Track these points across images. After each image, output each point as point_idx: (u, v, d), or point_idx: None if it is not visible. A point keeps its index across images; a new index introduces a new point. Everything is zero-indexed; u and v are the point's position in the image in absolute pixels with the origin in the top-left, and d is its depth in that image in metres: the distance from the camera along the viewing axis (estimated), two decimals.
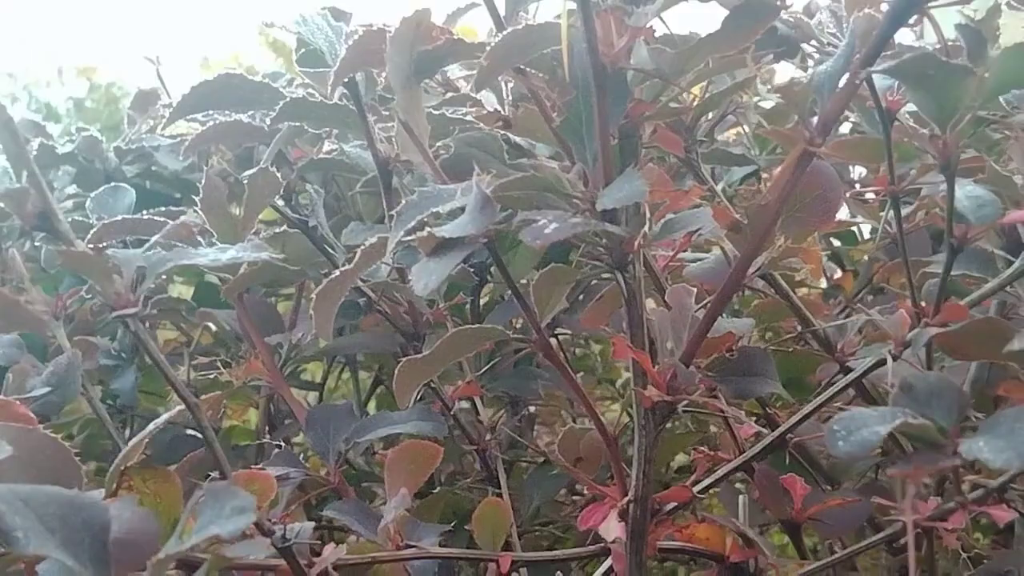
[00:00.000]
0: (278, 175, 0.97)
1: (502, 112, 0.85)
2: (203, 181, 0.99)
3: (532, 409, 1.40)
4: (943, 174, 0.72)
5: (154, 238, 0.97)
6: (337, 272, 0.74)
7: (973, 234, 0.74)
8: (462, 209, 0.69)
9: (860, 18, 0.73)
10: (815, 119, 0.69)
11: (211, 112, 1.04)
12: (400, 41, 0.74)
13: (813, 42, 0.96)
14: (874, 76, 0.76)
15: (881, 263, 1.22)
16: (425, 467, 0.85)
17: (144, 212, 0.97)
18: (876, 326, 0.84)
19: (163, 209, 1.00)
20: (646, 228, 0.69)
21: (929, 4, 0.66)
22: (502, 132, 0.84)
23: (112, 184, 1.27)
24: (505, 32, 0.71)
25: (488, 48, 0.71)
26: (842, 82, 0.67)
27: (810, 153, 0.69)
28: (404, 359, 0.76)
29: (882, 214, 1.07)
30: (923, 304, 0.76)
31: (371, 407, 1.57)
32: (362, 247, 0.74)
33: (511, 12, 0.78)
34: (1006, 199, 0.77)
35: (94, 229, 0.89)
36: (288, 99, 0.99)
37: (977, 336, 0.71)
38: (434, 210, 0.70)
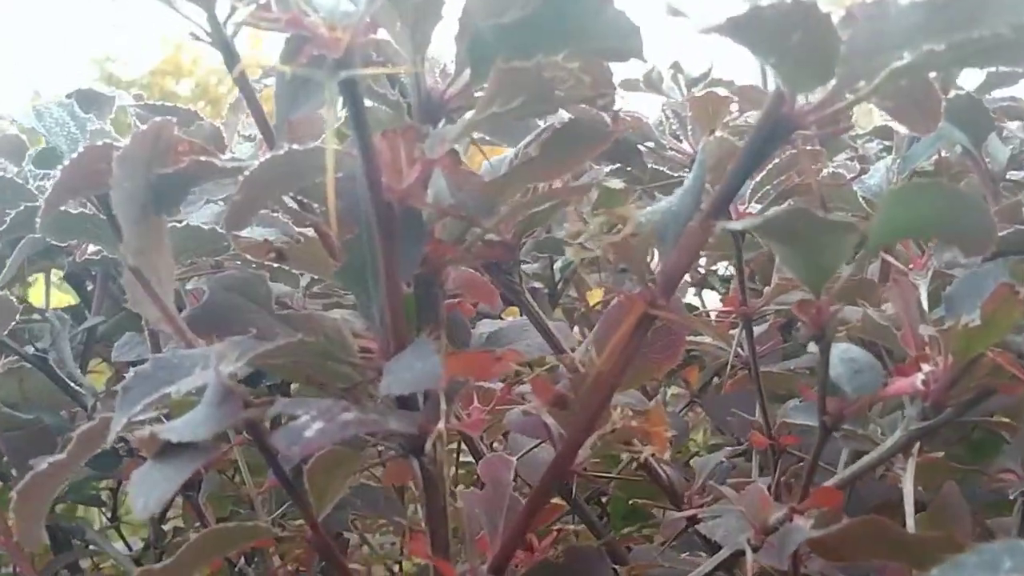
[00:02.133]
0: (13, 300, 0.79)
1: (271, 241, 0.68)
2: None
3: None
4: (815, 343, 0.58)
5: None
6: (45, 465, 0.56)
7: (850, 410, 0.61)
8: None
9: (711, 142, 0.59)
10: (657, 271, 0.55)
11: None
12: (131, 162, 0.57)
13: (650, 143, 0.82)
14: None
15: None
16: None
17: None
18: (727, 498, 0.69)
19: None
20: (446, 410, 0.54)
21: (796, 130, 0.52)
22: (274, 266, 0.67)
23: None
24: (263, 158, 0.54)
25: (244, 177, 0.55)
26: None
27: (651, 317, 0.55)
28: (140, 570, 0.59)
29: (733, 333, 0.94)
30: (789, 484, 0.62)
31: None
32: (78, 432, 0.57)
33: (282, 120, 0.62)
34: (885, 355, 0.64)
35: None
36: (22, 207, 0.81)
37: (856, 540, 0.57)
38: (169, 390, 0.53)
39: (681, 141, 0.82)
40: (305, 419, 0.49)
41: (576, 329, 1.44)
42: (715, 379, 1.34)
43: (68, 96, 0.88)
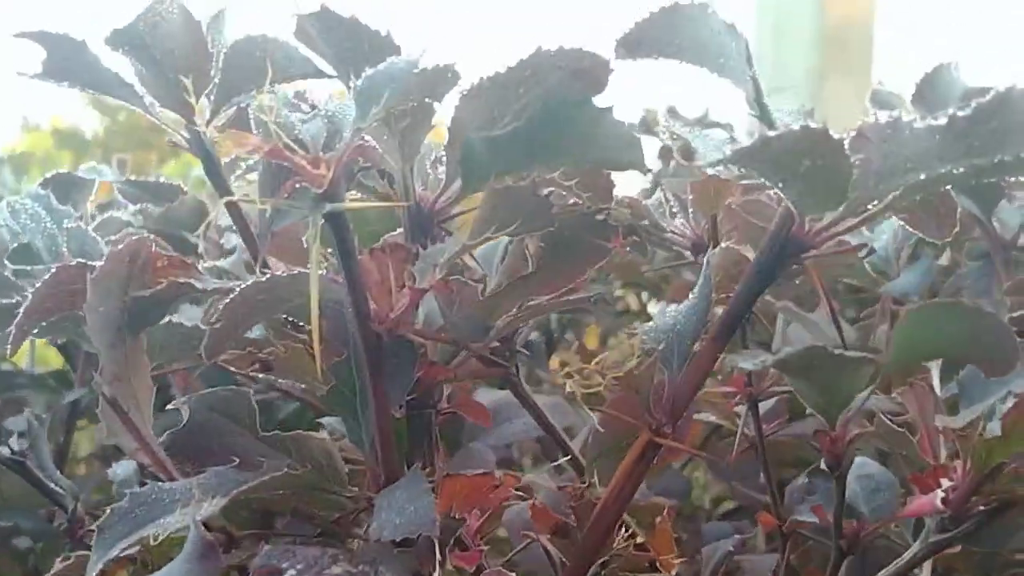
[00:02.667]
0: None
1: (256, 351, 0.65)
2: None
3: None
4: (830, 472, 0.55)
5: None
6: None
7: (867, 533, 0.58)
8: None
9: (716, 254, 0.56)
10: (662, 396, 0.52)
11: None
12: (106, 284, 0.54)
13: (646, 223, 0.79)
14: None
15: None
16: None
17: None
18: None
19: None
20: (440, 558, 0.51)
21: (806, 255, 0.50)
22: (260, 377, 0.64)
23: None
24: (244, 285, 0.51)
25: (224, 304, 0.52)
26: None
27: (656, 444, 0.52)
28: None
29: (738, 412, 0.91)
30: None
31: None
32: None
33: (265, 232, 0.59)
34: (902, 463, 0.61)
35: None
36: None
37: None
38: (147, 532, 0.50)
39: (676, 217, 0.79)
40: (291, 573, 0.46)
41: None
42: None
43: (44, 184, 0.85)
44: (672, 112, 1.52)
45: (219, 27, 0.61)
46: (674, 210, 0.79)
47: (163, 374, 0.88)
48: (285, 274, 0.51)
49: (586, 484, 0.59)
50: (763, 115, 0.51)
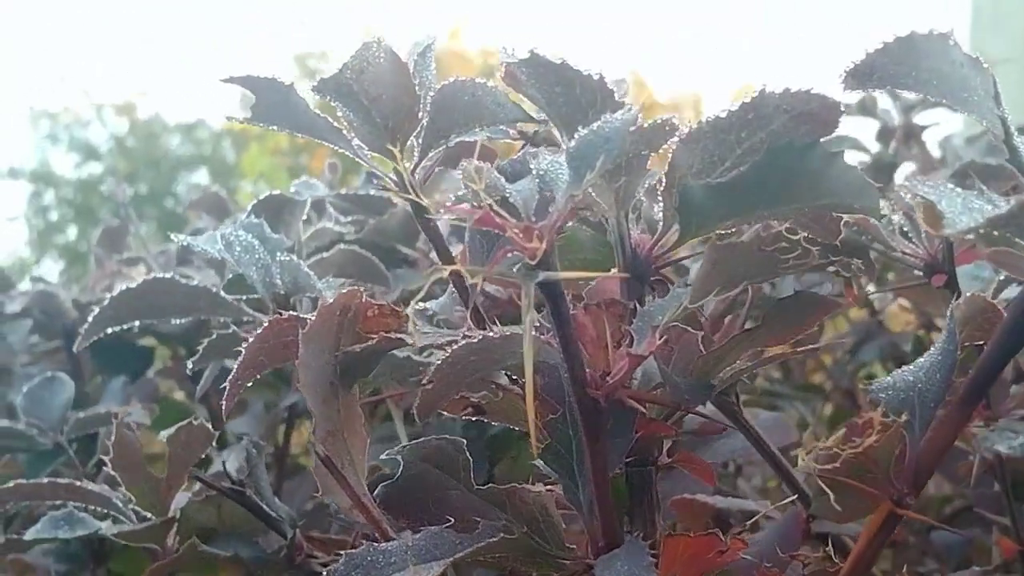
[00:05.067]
0: (208, 426, 0.77)
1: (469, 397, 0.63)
2: (112, 435, 0.79)
3: None
4: None
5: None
6: None
7: None
8: None
9: (962, 304, 0.51)
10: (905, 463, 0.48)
11: None
12: (317, 340, 0.54)
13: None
14: None
15: None
16: None
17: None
18: None
19: (65, 482, 0.81)
20: None
21: None
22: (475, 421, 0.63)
23: (48, 375, 1.08)
24: (456, 346, 0.50)
25: (434, 367, 0.50)
26: None
27: (898, 516, 0.48)
28: None
29: None
30: None
31: None
32: None
33: (475, 293, 0.57)
34: None
35: None
36: (215, 336, 0.80)
37: None
38: None
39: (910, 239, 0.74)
40: None
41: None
42: None
43: (255, 208, 0.86)
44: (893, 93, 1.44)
45: (426, 65, 0.59)
46: (905, 229, 0.74)
47: (377, 401, 0.88)
48: (498, 335, 0.49)
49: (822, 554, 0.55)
50: (1013, 158, 0.46)
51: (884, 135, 1.50)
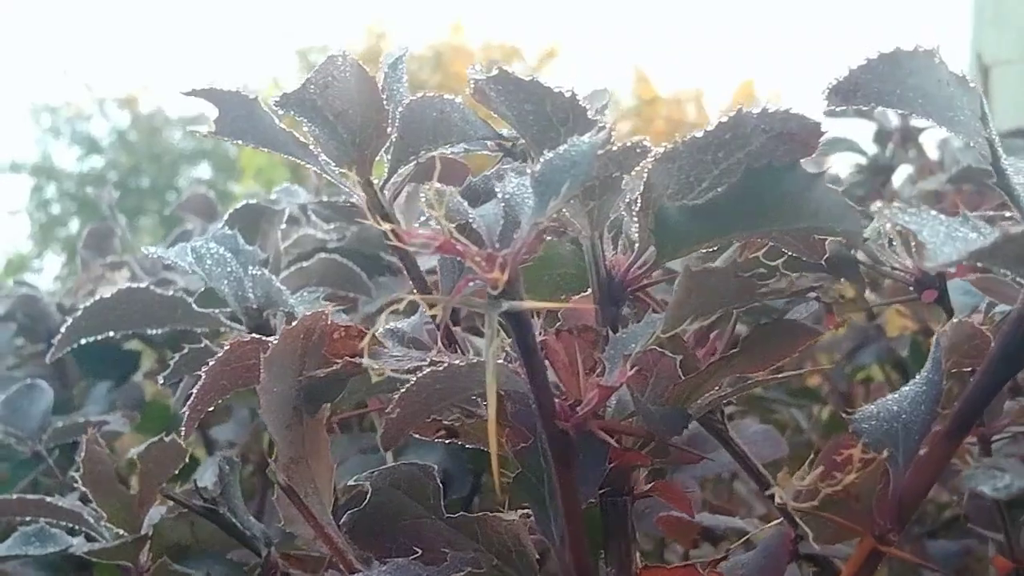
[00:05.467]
0: (181, 442, 0.75)
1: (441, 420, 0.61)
2: (82, 451, 0.77)
3: None
4: None
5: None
6: None
7: None
8: None
9: (948, 331, 0.49)
10: (889, 496, 0.46)
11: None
12: (280, 364, 0.52)
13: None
14: None
15: None
16: None
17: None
18: None
19: (34, 498, 0.79)
20: None
21: None
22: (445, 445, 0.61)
23: (27, 383, 1.07)
24: (420, 374, 0.48)
25: (398, 394, 0.48)
26: None
27: (880, 553, 0.46)
28: None
29: None
30: None
31: None
32: None
33: (446, 318, 0.55)
34: None
35: None
36: (186, 350, 0.77)
37: None
38: None
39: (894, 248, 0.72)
40: None
41: None
42: None
43: (231, 218, 0.84)
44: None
45: (397, 78, 0.57)
46: (892, 242, 0.72)
47: (352, 416, 0.86)
48: (464, 364, 0.47)
49: None
50: (1001, 181, 0.44)
51: (881, 137, 1.48)
